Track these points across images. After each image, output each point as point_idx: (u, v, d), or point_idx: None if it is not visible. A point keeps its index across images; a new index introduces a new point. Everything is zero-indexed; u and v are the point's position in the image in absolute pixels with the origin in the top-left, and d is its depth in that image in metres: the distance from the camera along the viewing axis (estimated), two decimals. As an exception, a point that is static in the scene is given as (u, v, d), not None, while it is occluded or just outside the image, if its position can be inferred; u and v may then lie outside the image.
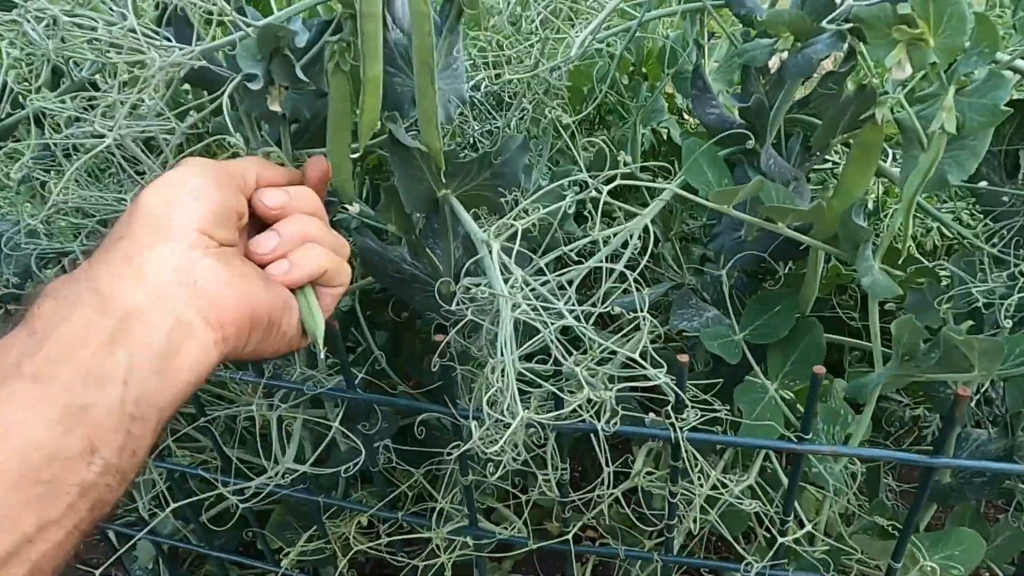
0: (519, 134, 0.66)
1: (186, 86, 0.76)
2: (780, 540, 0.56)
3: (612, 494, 0.60)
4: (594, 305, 0.52)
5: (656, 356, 0.51)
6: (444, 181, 0.64)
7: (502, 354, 0.48)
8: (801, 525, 0.65)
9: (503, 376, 0.47)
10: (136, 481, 0.81)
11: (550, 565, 0.92)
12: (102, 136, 0.56)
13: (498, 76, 0.77)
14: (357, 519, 0.70)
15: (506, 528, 0.68)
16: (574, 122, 0.68)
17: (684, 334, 0.72)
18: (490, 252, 0.52)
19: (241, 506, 0.69)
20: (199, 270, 0.40)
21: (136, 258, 0.39)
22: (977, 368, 0.55)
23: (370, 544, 0.70)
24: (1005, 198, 0.63)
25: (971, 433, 0.74)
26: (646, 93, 0.91)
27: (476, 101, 0.81)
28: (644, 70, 0.99)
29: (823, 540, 0.60)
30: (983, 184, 0.63)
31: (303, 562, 0.85)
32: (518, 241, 0.51)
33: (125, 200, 0.71)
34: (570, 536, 0.62)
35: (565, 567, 0.69)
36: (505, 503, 0.72)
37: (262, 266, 0.46)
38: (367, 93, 0.55)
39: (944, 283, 0.66)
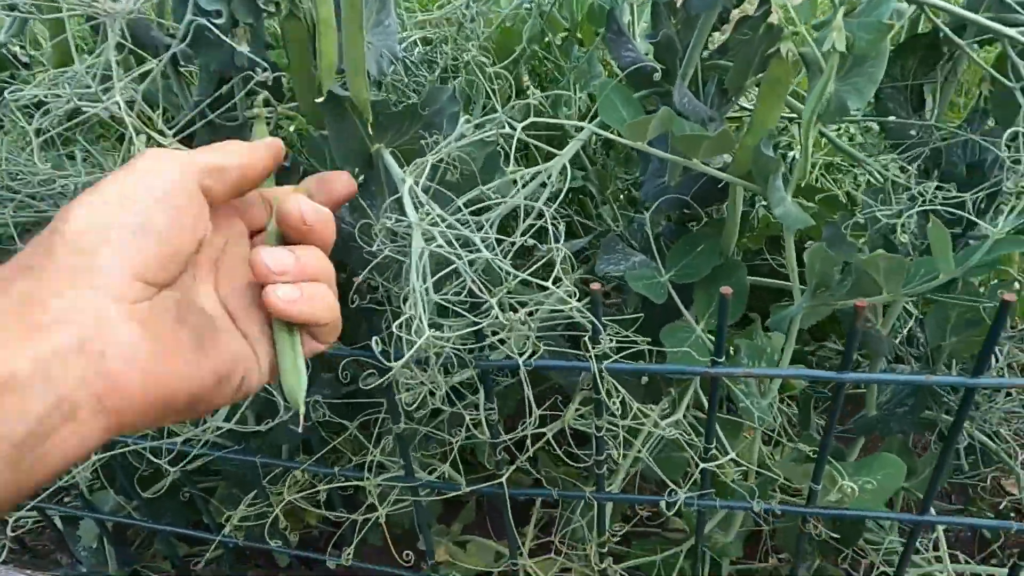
0: (447, 86, 0.66)
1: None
2: (701, 466, 0.57)
3: (543, 434, 0.61)
4: (513, 244, 0.53)
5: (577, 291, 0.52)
6: (376, 134, 0.64)
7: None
8: (734, 463, 0.66)
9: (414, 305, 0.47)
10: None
11: (500, 526, 0.92)
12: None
13: (429, 38, 0.78)
14: (292, 475, 0.70)
15: (441, 479, 0.68)
16: (493, 68, 0.69)
17: (616, 283, 0.74)
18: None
19: (174, 471, 0.68)
20: (112, 337, 0.31)
21: (39, 303, 0.30)
22: (884, 289, 0.57)
23: (306, 493, 0.70)
24: (912, 131, 0.65)
25: (895, 368, 0.76)
26: (579, 54, 0.93)
27: (409, 62, 0.81)
28: (579, 35, 1.00)
29: (748, 467, 0.62)
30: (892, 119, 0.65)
31: (251, 533, 0.85)
32: (426, 173, 0.52)
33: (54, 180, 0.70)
34: (504, 479, 0.63)
35: (515, 527, 0.70)
36: (441, 452, 0.72)
37: (260, 283, 0.38)
38: (322, 35, 0.55)
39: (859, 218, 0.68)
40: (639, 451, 0.62)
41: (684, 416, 0.66)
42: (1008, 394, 0.73)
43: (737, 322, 0.75)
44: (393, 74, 0.67)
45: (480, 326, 0.47)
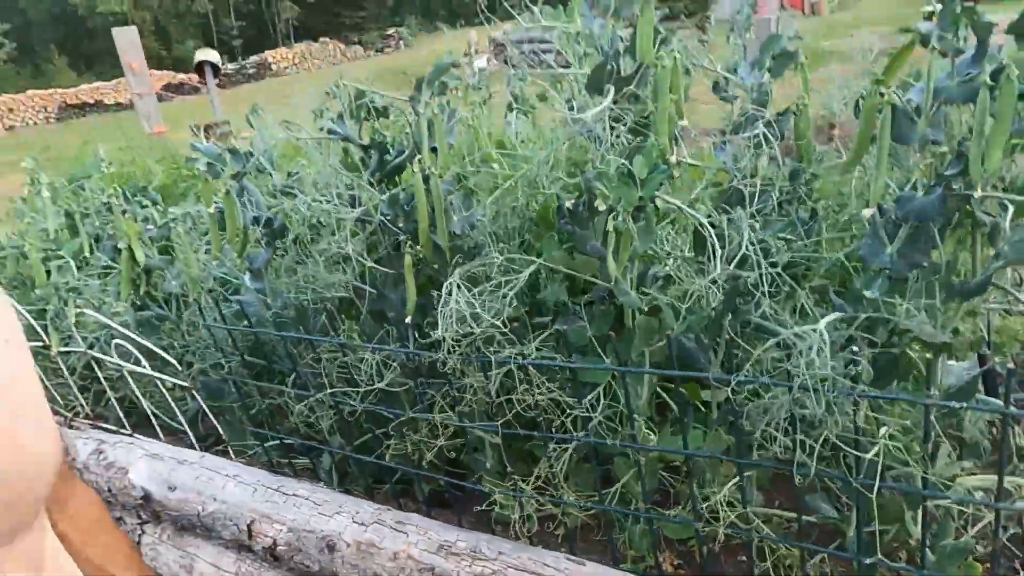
0: (486, 241, 1.42)
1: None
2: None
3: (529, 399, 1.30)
4: (507, 308, 1.26)
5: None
6: (452, 264, 1.42)
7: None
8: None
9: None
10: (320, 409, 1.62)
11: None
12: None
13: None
14: (414, 423, 1.44)
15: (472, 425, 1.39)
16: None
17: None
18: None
19: (360, 406, 1.46)
20: None
21: None
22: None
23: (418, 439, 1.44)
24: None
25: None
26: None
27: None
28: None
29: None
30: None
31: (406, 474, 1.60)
32: (466, 274, 1.27)
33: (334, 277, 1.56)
34: (499, 424, 1.33)
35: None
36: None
37: None
38: (420, 221, 1.36)
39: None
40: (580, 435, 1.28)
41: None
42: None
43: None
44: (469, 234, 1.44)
45: (476, 335, 1.20)
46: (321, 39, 32.69)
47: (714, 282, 1.13)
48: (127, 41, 5.60)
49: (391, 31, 36.17)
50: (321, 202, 1.38)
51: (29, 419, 0.36)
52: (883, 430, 1.01)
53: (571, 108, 1.40)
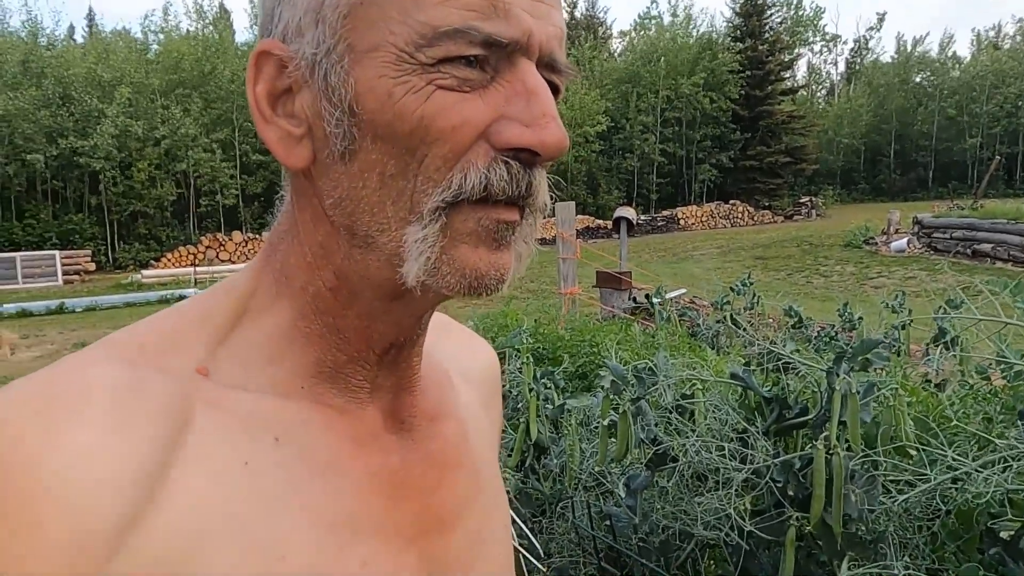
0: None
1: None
2: None
3: None
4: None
5: None
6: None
7: None
8: None
9: None
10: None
11: None
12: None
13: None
14: None
15: None
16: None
17: None
18: None
19: None
20: None
21: None
22: None
23: None
24: None
25: None
26: None
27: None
28: None
29: None
30: None
31: None
32: None
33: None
34: None
35: None
36: None
37: None
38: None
39: None
40: None
41: None
42: None
43: None
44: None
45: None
46: (732, 201, 33.73)
47: None
48: (566, 214, 6.45)
49: (805, 199, 35.73)
50: (711, 450, 1.36)
51: None
52: None
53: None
